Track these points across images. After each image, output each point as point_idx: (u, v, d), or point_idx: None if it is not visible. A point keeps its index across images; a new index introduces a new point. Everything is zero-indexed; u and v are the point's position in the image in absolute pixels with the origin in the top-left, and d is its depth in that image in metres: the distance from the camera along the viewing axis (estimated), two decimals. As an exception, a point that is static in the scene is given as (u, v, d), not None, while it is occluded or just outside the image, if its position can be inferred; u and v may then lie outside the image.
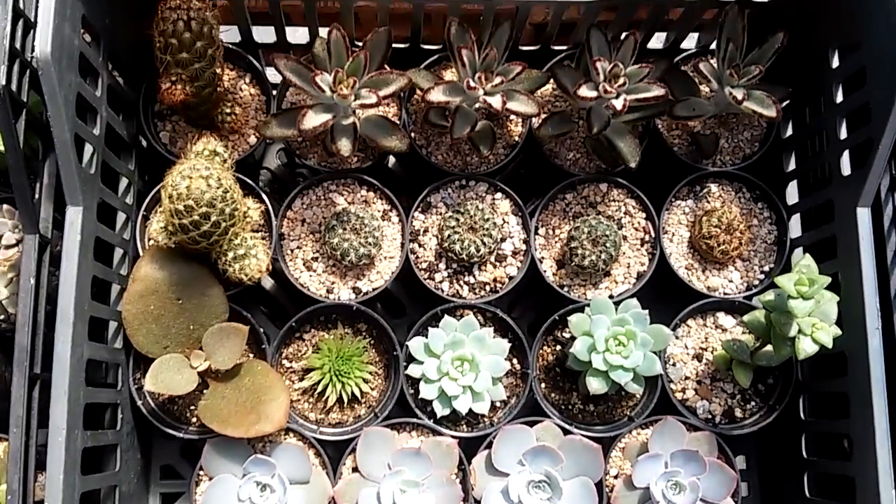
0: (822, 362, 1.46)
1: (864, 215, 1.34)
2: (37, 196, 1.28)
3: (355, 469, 1.40)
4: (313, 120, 1.32)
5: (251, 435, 1.33)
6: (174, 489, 1.54)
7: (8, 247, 1.36)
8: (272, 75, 1.53)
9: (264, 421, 1.33)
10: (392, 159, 1.62)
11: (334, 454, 1.43)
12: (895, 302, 1.48)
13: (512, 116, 1.55)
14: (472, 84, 1.35)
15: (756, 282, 1.53)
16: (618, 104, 1.36)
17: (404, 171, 1.63)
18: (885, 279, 1.49)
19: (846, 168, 1.40)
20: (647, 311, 1.39)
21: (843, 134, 1.41)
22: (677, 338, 1.51)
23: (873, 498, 1.27)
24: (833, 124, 1.43)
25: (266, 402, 1.35)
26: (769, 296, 1.33)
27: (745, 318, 1.40)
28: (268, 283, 1.56)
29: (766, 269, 1.53)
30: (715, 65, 1.44)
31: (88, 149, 1.31)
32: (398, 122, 1.50)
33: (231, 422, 1.33)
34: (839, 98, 1.43)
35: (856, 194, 1.34)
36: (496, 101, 1.36)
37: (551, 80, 1.53)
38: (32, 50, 1.16)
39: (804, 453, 1.48)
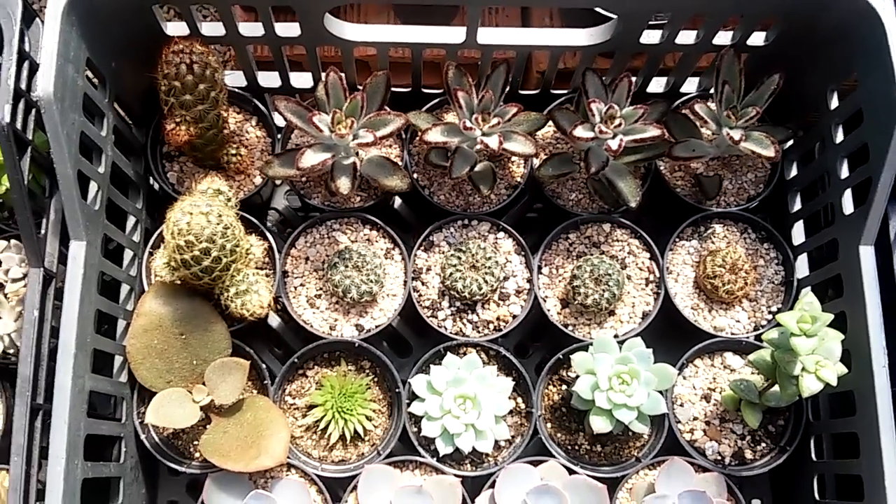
0: (834, 402, 1.44)
1: (867, 253, 1.33)
2: (43, 232, 1.32)
3: (356, 507, 1.39)
4: (311, 159, 1.34)
5: (251, 469, 1.32)
6: (179, 526, 1.54)
7: (14, 280, 1.39)
8: (278, 119, 1.58)
9: (265, 456, 1.33)
10: (398, 200, 1.65)
11: (336, 491, 1.42)
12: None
13: (514, 158, 1.56)
14: (469, 125, 1.37)
15: (764, 322, 1.51)
16: (613, 144, 1.37)
17: (410, 211, 1.65)
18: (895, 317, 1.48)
19: (848, 207, 1.40)
20: (650, 350, 1.37)
21: (845, 173, 1.41)
22: (684, 378, 1.50)
23: (884, 538, 1.24)
24: (834, 164, 1.43)
25: (267, 436, 1.35)
26: (773, 334, 1.31)
27: (751, 357, 1.38)
28: (274, 321, 1.58)
29: (774, 308, 1.52)
30: (713, 107, 1.45)
31: (93, 187, 1.34)
32: (400, 163, 1.52)
33: (232, 456, 1.33)
34: (839, 138, 1.43)
35: (858, 233, 1.34)
36: (493, 142, 1.37)
37: (551, 123, 1.55)
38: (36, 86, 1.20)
39: (816, 495, 1.44)
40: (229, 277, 1.36)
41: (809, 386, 1.25)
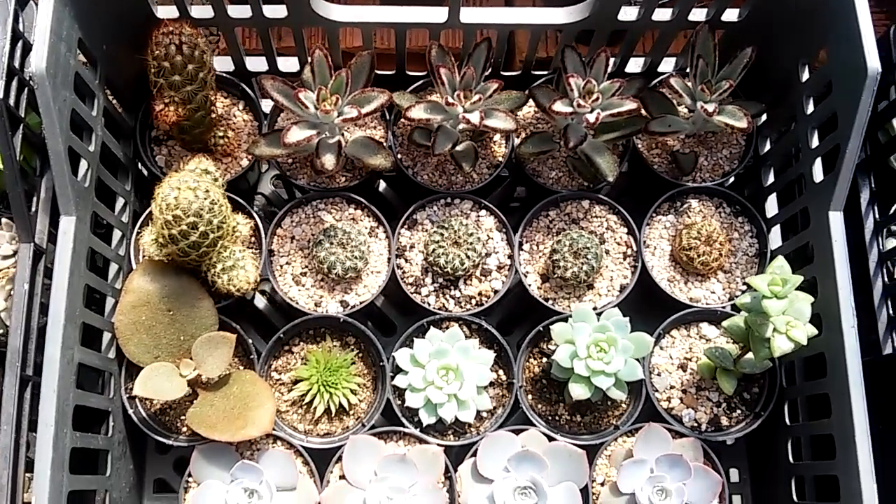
0: (807, 368, 1.48)
1: (836, 218, 1.37)
2: (33, 210, 1.35)
3: (342, 477, 1.42)
4: (297, 135, 1.38)
5: (238, 439, 1.35)
6: (167, 502, 1.57)
7: (5, 257, 1.43)
8: (265, 106, 1.62)
9: (251, 426, 1.36)
10: (383, 184, 1.68)
11: (321, 463, 1.44)
12: (878, 311, 1.52)
13: (495, 138, 1.60)
14: (451, 101, 1.41)
15: (738, 293, 1.55)
16: (591, 118, 1.41)
17: (394, 194, 1.69)
18: (868, 289, 1.52)
19: (818, 175, 1.44)
20: (627, 319, 1.41)
21: (815, 143, 1.46)
22: (661, 348, 1.53)
23: (856, 492, 1.26)
24: (805, 135, 1.47)
25: (253, 408, 1.38)
26: (745, 298, 1.35)
27: (725, 323, 1.42)
28: (260, 303, 1.62)
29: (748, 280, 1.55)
30: (688, 83, 1.50)
31: (84, 165, 1.37)
32: (384, 144, 1.56)
33: (218, 427, 1.36)
34: (809, 109, 1.47)
35: (828, 199, 1.37)
36: (474, 118, 1.41)
37: (532, 104, 1.59)
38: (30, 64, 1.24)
39: (790, 458, 1.48)
40: (216, 254, 1.39)
41: (780, 346, 1.29)
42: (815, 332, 1.32)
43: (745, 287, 1.55)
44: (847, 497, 1.29)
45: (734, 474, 1.62)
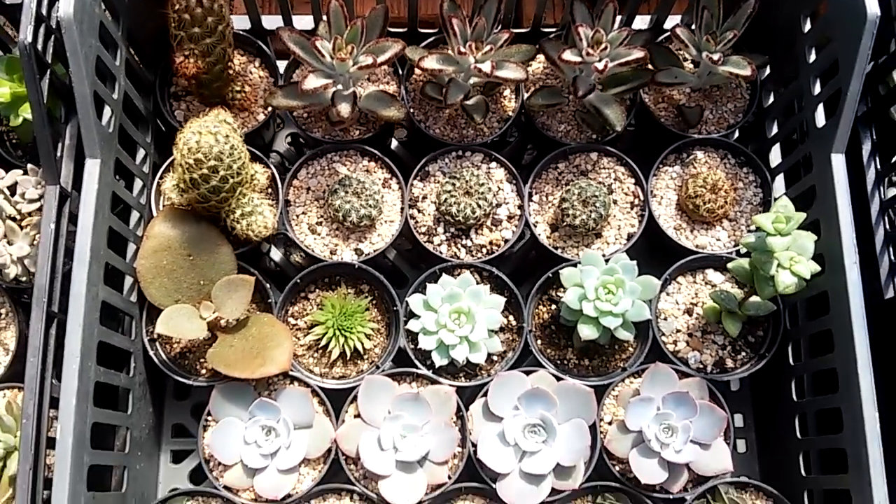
0: (809, 309, 1.51)
1: (838, 160, 1.41)
2: (59, 155, 1.40)
3: (357, 415, 1.46)
4: (314, 82, 1.42)
5: (256, 376, 1.39)
6: (185, 447, 1.61)
7: (31, 201, 1.47)
8: (281, 65, 1.66)
9: (269, 364, 1.40)
10: (395, 142, 1.73)
11: (337, 403, 1.48)
12: (881, 258, 1.55)
13: (505, 92, 1.64)
14: (463, 50, 1.45)
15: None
16: (599, 66, 1.45)
17: (406, 151, 1.73)
18: (871, 238, 1.55)
19: (821, 120, 1.48)
20: (635, 262, 1.44)
21: (817, 90, 1.49)
22: (668, 294, 1.57)
23: (859, 423, 1.30)
24: (807, 83, 1.51)
25: (271, 347, 1.42)
26: (750, 238, 1.38)
27: (730, 265, 1.45)
28: (276, 255, 1.66)
29: (753, 228, 1.58)
30: (694, 34, 1.54)
31: (108, 111, 1.42)
32: (397, 97, 1.60)
33: (238, 366, 1.40)
34: (812, 58, 1.51)
35: (830, 142, 1.41)
36: (486, 67, 1.45)
37: (542, 59, 1.64)
38: (57, 11, 1.28)
39: (794, 397, 1.51)
40: (235, 199, 1.43)
41: (784, 280, 1.32)
42: (818, 268, 1.35)
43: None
44: (850, 426, 1.33)
45: (738, 419, 1.65)
